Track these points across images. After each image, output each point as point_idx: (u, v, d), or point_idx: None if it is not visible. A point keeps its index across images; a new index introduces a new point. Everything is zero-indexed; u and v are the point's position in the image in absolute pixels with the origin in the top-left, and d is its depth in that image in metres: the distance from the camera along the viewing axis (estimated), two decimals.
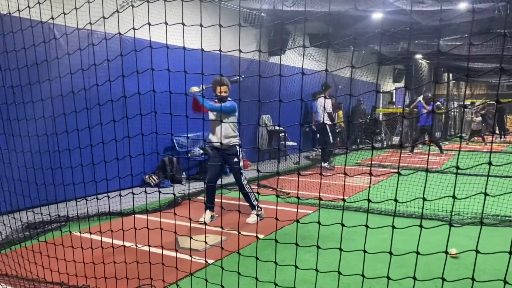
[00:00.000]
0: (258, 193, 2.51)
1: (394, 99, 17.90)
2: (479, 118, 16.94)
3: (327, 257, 3.67)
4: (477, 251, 1.48)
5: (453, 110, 19.66)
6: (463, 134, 17.11)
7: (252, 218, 5.02)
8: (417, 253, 1.65)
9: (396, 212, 4.77)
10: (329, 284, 3.16)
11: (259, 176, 7.70)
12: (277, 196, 2.20)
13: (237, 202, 4.89)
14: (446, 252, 1.64)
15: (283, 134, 10.91)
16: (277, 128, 10.37)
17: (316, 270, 1.91)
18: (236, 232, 4.48)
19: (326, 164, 9.32)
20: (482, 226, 3.91)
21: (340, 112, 13.67)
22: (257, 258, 2.09)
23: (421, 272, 3.35)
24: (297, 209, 2.24)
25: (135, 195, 2.69)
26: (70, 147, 2.85)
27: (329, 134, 9.19)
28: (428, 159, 1.75)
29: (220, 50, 2.09)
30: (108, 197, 2.76)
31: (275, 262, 2.01)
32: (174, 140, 7.95)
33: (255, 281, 2.21)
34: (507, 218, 4.88)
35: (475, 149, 12.18)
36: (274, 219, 1.98)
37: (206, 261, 2.71)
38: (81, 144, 2.85)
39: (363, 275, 1.82)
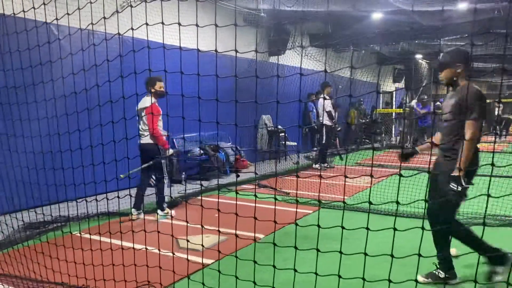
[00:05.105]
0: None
1: (394, 100, 17.88)
2: None
3: (328, 256, 3.66)
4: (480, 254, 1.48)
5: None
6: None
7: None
8: (419, 255, 1.65)
9: (396, 212, 4.76)
10: (327, 284, 3.15)
11: (259, 176, 7.70)
12: (276, 197, 2.20)
13: (234, 202, 4.88)
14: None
15: (283, 134, 10.90)
16: (277, 128, 10.35)
17: (316, 273, 1.90)
18: (238, 232, 4.48)
19: (317, 165, 9.26)
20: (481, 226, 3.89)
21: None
22: (254, 262, 2.09)
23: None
24: (296, 209, 2.23)
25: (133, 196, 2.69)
26: (71, 147, 2.84)
27: (323, 134, 9.10)
28: (430, 159, 1.75)
29: (216, 51, 2.07)
30: (107, 198, 2.75)
31: (274, 266, 2.01)
32: (174, 141, 7.94)
33: (255, 281, 2.21)
34: (507, 218, 4.88)
35: None
36: (275, 217, 1.98)
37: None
38: (82, 144, 2.84)
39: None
